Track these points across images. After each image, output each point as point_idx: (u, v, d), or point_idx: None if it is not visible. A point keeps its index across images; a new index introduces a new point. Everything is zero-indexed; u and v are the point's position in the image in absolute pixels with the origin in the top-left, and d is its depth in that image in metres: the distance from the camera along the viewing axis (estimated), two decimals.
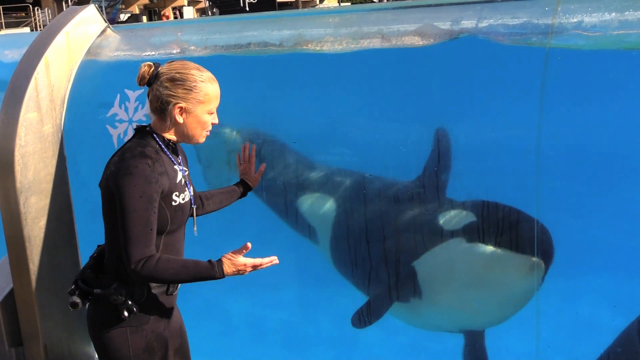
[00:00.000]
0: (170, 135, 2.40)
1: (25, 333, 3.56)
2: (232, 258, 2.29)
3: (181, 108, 2.33)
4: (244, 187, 2.87)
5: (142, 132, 2.40)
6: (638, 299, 2.55)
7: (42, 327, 3.51)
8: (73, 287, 2.47)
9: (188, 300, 2.79)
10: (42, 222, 3.45)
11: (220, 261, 2.29)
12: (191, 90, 2.32)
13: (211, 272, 2.27)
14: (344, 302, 3.42)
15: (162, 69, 2.36)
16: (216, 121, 2.42)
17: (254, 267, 2.32)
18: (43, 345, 3.54)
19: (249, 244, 2.31)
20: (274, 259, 2.36)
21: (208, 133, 2.43)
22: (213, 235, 2.85)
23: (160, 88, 2.33)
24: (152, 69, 2.36)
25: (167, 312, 2.52)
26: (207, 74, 2.38)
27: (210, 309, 3.54)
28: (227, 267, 2.28)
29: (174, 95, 2.31)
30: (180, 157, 2.50)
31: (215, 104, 2.39)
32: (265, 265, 2.34)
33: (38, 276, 3.45)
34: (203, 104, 2.35)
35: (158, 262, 2.22)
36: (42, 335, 3.52)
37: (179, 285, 2.54)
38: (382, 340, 3.23)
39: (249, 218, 3.30)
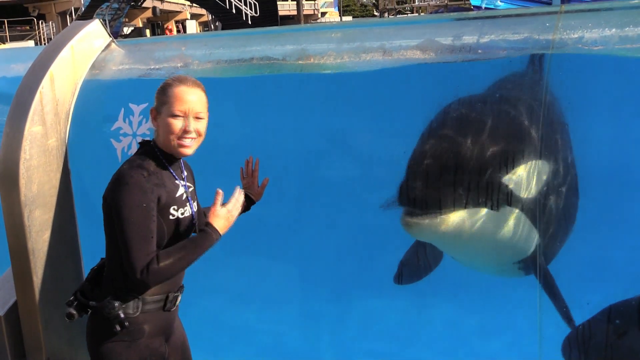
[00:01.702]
0: (162, 147, 2.39)
1: (29, 345, 3.56)
2: (214, 213, 2.33)
3: (152, 111, 2.38)
4: (247, 201, 2.87)
5: (146, 146, 2.43)
6: None
7: (45, 340, 3.51)
8: (72, 298, 2.49)
9: (189, 312, 2.80)
10: (46, 235, 3.46)
11: (208, 224, 2.32)
12: (162, 93, 2.35)
13: (208, 237, 2.29)
14: (349, 316, 3.42)
15: None
16: (189, 128, 2.33)
17: (235, 207, 2.39)
18: (46, 358, 3.54)
19: (219, 189, 2.36)
20: (237, 189, 2.44)
21: (184, 143, 2.35)
22: (216, 249, 2.86)
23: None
24: None
25: (164, 328, 2.51)
26: (184, 80, 2.35)
27: (211, 321, 3.55)
28: (217, 224, 2.32)
29: (155, 102, 2.36)
30: (186, 173, 2.51)
31: (179, 106, 2.32)
32: (240, 197, 2.42)
33: (41, 289, 3.45)
34: (166, 105, 2.33)
35: (159, 261, 2.22)
36: (45, 348, 3.52)
37: (178, 301, 2.53)
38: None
39: (252, 232, 3.31)
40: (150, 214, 2.25)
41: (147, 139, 2.48)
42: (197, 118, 2.35)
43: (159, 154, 2.38)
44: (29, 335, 3.54)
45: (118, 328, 2.35)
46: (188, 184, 2.49)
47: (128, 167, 2.31)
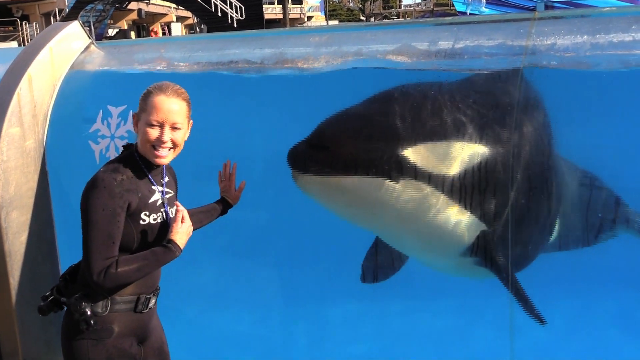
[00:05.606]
0: (141, 152, 2.39)
1: (5, 348, 3.55)
2: (176, 230, 2.33)
3: (133, 116, 2.39)
4: (224, 205, 2.87)
5: (126, 151, 2.44)
6: None
7: (21, 342, 3.50)
8: (48, 293, 2.50)
9: (169, 317, 2.80)
10: (23, 237, 3.45)
11: (170, 241, 2.32)
12: (144, 100, 2.35)
13: (170, 253, 2.31)
14: (326, 319, 3.44)
15: None
16: (163, 138, 2.31)
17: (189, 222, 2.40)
18: None
19: (179, 205, 2.39)
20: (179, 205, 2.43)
21: (159, 153, 2.34)
22: (194, 252, 2.86)
23: None
24: None
25: (135, 330, 2.49)
26: (164, 89, 2.34)
27: (189, 324, 3.55)
28: (179, 241, 2.33)
29: (138, 107, 2.37)
30: (168, 179, 2.49)
31: (155, 116, 2.31)
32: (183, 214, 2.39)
33: (18, 291, 3.44)
34: (145, 113, 2.33)
35: (118, 267, 2.24)
36: (22, 351, 3.51)
37: (153, 303, 2.53)
38: None
39: (231, 236, 3.32)
40: (115, 219, 2.25)
41: (129, 142, 2.47)
42: (174, 128, 2.34)
43: (138, 159, 2.39)
44: (5, 337, 3.53)
45: (84, 326, 2.35)
46: (167, 189, 2.48)
47: (103, 170, 2.32)
